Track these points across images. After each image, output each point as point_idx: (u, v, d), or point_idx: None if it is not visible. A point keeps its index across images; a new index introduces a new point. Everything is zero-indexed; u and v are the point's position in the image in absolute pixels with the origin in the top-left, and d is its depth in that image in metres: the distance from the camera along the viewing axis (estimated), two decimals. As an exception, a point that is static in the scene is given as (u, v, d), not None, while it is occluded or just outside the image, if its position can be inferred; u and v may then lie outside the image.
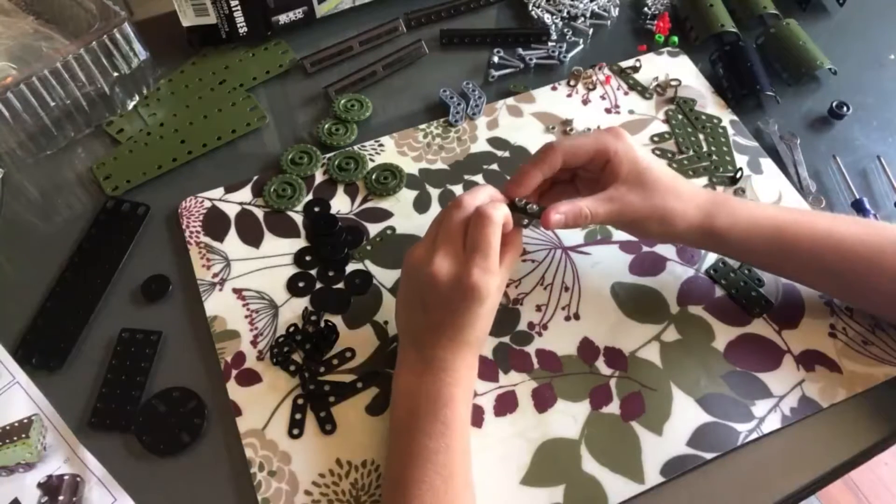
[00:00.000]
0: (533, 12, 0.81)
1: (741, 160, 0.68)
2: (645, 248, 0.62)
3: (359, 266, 0.61)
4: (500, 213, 0.48)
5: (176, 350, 0.57)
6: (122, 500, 0.50)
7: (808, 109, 0.73)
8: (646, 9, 0.81)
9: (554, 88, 0.74)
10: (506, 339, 0.57)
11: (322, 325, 0.57)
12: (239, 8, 0.74)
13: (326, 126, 0.70)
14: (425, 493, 0.44)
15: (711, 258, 0.61)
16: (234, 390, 0.54)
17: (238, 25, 0.75)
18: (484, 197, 0.50)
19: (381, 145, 0.69)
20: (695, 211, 0.53)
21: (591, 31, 0.79)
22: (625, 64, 0.76)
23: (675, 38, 0.78)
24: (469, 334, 0.48)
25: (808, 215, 0.55)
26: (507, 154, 0.68)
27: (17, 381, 0.55)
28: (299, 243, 0.63)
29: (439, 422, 0.47)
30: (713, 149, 0.68)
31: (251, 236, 0.63)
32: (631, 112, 0.72)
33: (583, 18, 0.80)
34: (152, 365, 0.56)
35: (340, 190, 0.66)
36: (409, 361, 0.50)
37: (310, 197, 0.66)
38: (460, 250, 0.48)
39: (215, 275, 0.60)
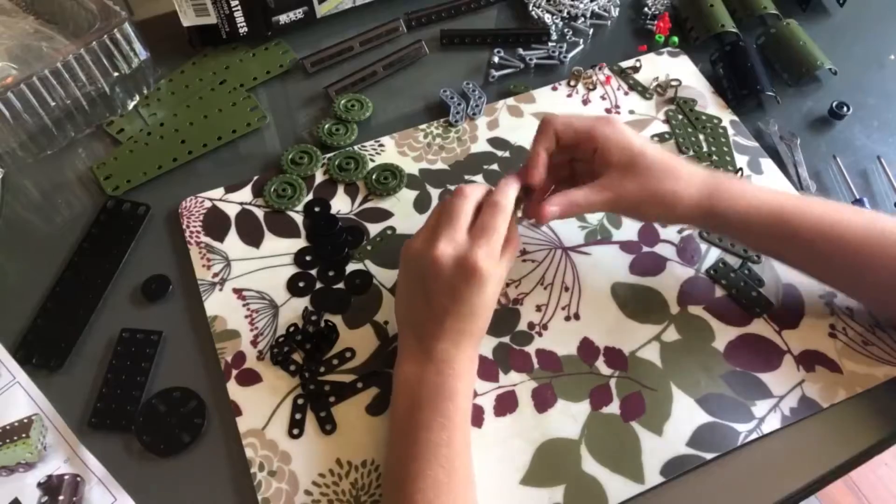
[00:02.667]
0: (533, 12, 0.81)
1: (741, 160, 0.68)
2: (645, 248, 0.62)
3: (359, 266, 0.61)
4: (512, 204, 0.50)
5: (176, 350, 0.57)
6: (122, 500, 0.50)
7: (808, 109, 0.73)
8: (646, 9, 0.81)
9: (554, 89, 0.74)
10: (506, 339, 0.57)
11: (322, 325, 0.57)
12: (239, 8, 0.74)
13: (327, 126, 0.70)
14: (428, 487, 0.44)
15: (711, 258, 0.61)
16: (234, 390, 0.54)
17: (238, 25, 0.75)
18: (484, 191, 0.52)
19: (381, 145, 0.69)
20: (694, 191, 0.53)
21: (591, 31, 0.79)
22: (625, 64, 0.76)
23: (676, 39, 0.78)
24: (470, 323, 0.49)
25: (809, 201, 0.54)
26: (507, 154, 0.68)
27: (17, 381, 0.55)
28: (299, 243, 0.63)
29: (441, 415, 0.47)
30: (713, 149, 0.68)
31: (251, 236, 0.63)
32: (631, 112, 0.72)
33: (583, 18, 0.80)
34: (152, 365, 0.56)
35: (341, 190, 0.66)
36: (409, 354, 0.50)
37: (310, 197, 0.66)
38: (463, 235, 0.49)
39: (215, 275, 0.60)
